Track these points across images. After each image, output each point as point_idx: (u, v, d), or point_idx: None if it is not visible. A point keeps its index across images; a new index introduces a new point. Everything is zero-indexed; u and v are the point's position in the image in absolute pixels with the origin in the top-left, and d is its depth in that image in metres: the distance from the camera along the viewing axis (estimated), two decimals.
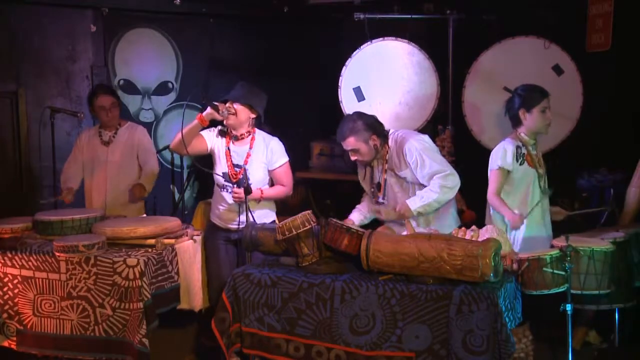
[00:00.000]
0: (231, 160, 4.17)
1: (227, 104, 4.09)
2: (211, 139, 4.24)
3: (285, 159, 4.23)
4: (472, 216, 4.58)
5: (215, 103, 4.04)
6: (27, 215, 4.23)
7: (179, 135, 4.06)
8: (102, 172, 4.88)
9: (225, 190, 4.19)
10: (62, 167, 5.05)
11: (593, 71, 4.81)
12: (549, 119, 4.03)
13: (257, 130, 4.23)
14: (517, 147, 4.01)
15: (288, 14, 6.49)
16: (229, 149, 4.19)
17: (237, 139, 4.18)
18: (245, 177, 3.98)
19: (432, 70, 5.05)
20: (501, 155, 4.02)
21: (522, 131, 4.07)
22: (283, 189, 4.25)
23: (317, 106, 6.45)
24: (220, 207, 4.24)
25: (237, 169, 4.14)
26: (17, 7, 5.75)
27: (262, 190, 4.15)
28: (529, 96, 4.03)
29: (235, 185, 4.08)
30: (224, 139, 4.22)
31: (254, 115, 4.17)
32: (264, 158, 4.18)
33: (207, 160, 4.34)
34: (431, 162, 3.93)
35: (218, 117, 4.07)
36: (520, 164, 4.00)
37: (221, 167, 4.20)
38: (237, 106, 4.11)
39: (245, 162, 4.13)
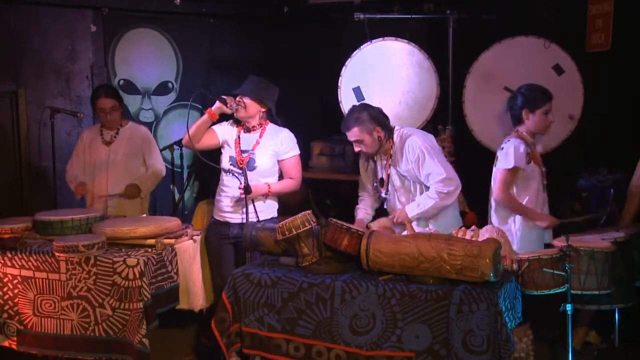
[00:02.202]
0: (240, 147, 4.19)
1: (237, 98, 4.11)
2: (222, 132, 4.28)
3: (296, 151, 4.28)
4: (474, 218, 4.57)
5: (224, 97, 4.07)
6: (27, 215, 4.23)
7: (187, 134, 4.13)
8: (104, 172, 4.88)
9: (230, 174, 4.21)
10: (62, 167, 5.05)
11: (593, 71, 4.80)
12: (550, 122, 4.08)
13: (269, 122, 4.27)
14: (524, 146, 4.05)
15: (288, 14, 6.49)
16: (239, 137, 4.22)
17: (248, 130, 4.22)
18: (245, 177, 3.98)
19: (432, 70, 5.05)
20: (511, 155, 3.99)
21: (522, 130, 4.10)
22: (291, 182, 4.28)
23: (317, 106, 6.45)
24: (222, 194, 4.27)
25: (244, 154, 4.16)
26: (17, 7, 5.74)
27: (269, 186, 4.17)
28: (533, 97, 4.06)
29: (239, 170, 4.12)
30: (235, 128, 4.27)
31: (264, 109, 4.19)
32: (274, 147, 4.22)
33: (214, 156, 4.36)
34: (431, 161, 3.93)
35: (227, 110, 4.12)
36: (528, 162, 4.03)
37: (229, 152, 4.23)
38: (247, 100, 4.14)
39: (253, 149, 4.15)
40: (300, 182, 4.34)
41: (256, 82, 4.22)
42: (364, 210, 4.26)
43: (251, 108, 4.16)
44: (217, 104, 4.12)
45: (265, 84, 4.25)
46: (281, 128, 4.30)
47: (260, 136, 4.22)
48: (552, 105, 4.07)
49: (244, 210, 4.01)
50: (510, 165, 3.99)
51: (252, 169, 4.15)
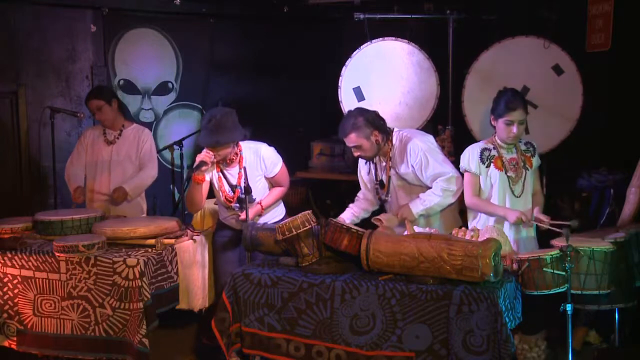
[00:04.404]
0: (228, 182, 4.15)
1: (207, 150, 4.00)
2: (208, 174, 4.21)
3: (280, 162, 4.21)
4: None
5: (201, 159, 3.97)
6: (27, 215, 4.23)
7: (189, 203, 4.20)
8: (106, 172, 4.87)
9: (230, 210, 4.19)
10: (62, 167, 5.04)
11: (593, 71, 4.80)
12: (513, 133, 3.89)
13: (242, 145, 4.16)
14: (484, 150, 3.98)
15: (288, 14, 6.50)
16: (222, 173, 4.17)
17: (226, 164, 4.16)
18: (246, 177, 3.98)
19: (432, 70, 5.05)
20: (463, 158, 4.03)
21: (496, 134, 4.02)
22: (281, 190, 4.26)
23: (317, 106, 6.46)
24: (227, 216, 4.25)
25: (234, 190, 4.12)
26: (17, 7, 5.75)
27: (261, 205, 4.16)
28: (497, 104, 3.95)
29: (237, 203, 4.10)
30: (214, 167, 4.19)
31: (233, 143, 4.10)
32: (259, 169, 4.16)
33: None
34: (435, 163, 3.93)
35: (210, 166, 4.06)
36: (487, 166, 3.96)
37: (220, 194, 4.19)
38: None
39: (239, 182, 4.11)
40: (289, 184, 4.32)
41: (214, 128, 3.96)
42: (351, 211, 4.24)
43: (224, 151, 4.03)
44: (199, 169, 4.01)
45: (222, 119, 3.98)
46: (257, 145, 4.20)
47: (241, 167, 4.13)
48: (520, 117, 3.88)
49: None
50: (461, 168, 4.02)
51: (252, 201, 4.08)
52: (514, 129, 3.88)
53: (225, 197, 4.16)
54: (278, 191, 4.26)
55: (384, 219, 3.97)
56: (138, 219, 4.41)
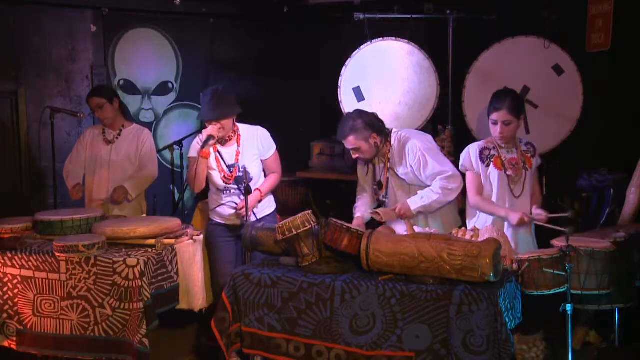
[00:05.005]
0: (225, 163, 4.18)
1: (212, 125, 4.08)
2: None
3: (274, 146, 4.34)
4: None
5: (209, 134, 4.06)
6: (27, 215, 4.23)
7: (193, 182, 4.18)
8: (104, 171, 4.87)
9: (227, 192, 4.21)
10: (62, 167, 5.05)
11: (593, 71, 4.80)
12: (498, 133, 3.94)
13: (239, 125, 4.28)
14: (484, 149, 4.01)
15: (288, 14, 6.49)
16: (218, 153, 4.21)
17: (224, 142, 4.20)
18: (246, 177, 3.99)
19: (432, 70, 5.05)
20: (463, 157, 4.06)
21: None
22: (276, 177, 4.37)
23: (317, 106, 6.45)
24: (226, 212, 4.26)
25: (231, 169, 4.16)
26: (17, 7, 5.74)
27: (260, 191, 4.22)
28: (489, 104, 4.00)
29: (235, 184, 4.14)
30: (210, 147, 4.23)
31: (234, 116, 4.19)
32: (256, 149, 4.25)
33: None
34: (434, 162, 3.94)
35: (215, 141, 4.13)
36: (487, 165, 3.99)
37: (217, 173, 4.21)
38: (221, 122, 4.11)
39: (237, 160, 4.15)
40: (281, 172, 4.42)
41: (215, 102, 4.09)
42: (362, 209, 4.26)
43: (227, 124, 4.14)
44: (207, 143, 4.08)
45: (224, 93, 4.13)
46: (254, 127, 4.32)
47: (238, 145, 4.22)
48: (506, 117, 3.90)
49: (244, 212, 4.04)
50: (461, 167, 4.05)
51: (250, 180, 4.13)
52: (498, 128, 3.93)
53: (224, 176, 4.21)
54: (273, 178, 4.37)
55: (381, 213, 3.99)
56: (138, 219, 4.41)
